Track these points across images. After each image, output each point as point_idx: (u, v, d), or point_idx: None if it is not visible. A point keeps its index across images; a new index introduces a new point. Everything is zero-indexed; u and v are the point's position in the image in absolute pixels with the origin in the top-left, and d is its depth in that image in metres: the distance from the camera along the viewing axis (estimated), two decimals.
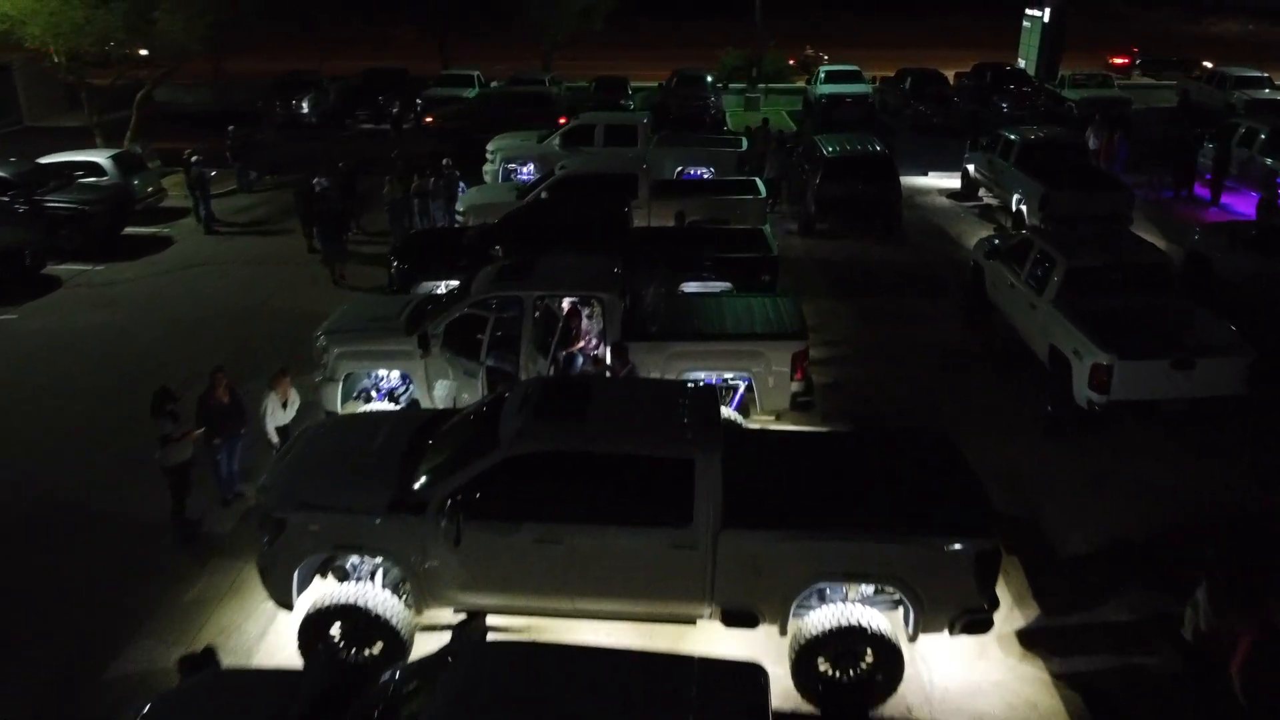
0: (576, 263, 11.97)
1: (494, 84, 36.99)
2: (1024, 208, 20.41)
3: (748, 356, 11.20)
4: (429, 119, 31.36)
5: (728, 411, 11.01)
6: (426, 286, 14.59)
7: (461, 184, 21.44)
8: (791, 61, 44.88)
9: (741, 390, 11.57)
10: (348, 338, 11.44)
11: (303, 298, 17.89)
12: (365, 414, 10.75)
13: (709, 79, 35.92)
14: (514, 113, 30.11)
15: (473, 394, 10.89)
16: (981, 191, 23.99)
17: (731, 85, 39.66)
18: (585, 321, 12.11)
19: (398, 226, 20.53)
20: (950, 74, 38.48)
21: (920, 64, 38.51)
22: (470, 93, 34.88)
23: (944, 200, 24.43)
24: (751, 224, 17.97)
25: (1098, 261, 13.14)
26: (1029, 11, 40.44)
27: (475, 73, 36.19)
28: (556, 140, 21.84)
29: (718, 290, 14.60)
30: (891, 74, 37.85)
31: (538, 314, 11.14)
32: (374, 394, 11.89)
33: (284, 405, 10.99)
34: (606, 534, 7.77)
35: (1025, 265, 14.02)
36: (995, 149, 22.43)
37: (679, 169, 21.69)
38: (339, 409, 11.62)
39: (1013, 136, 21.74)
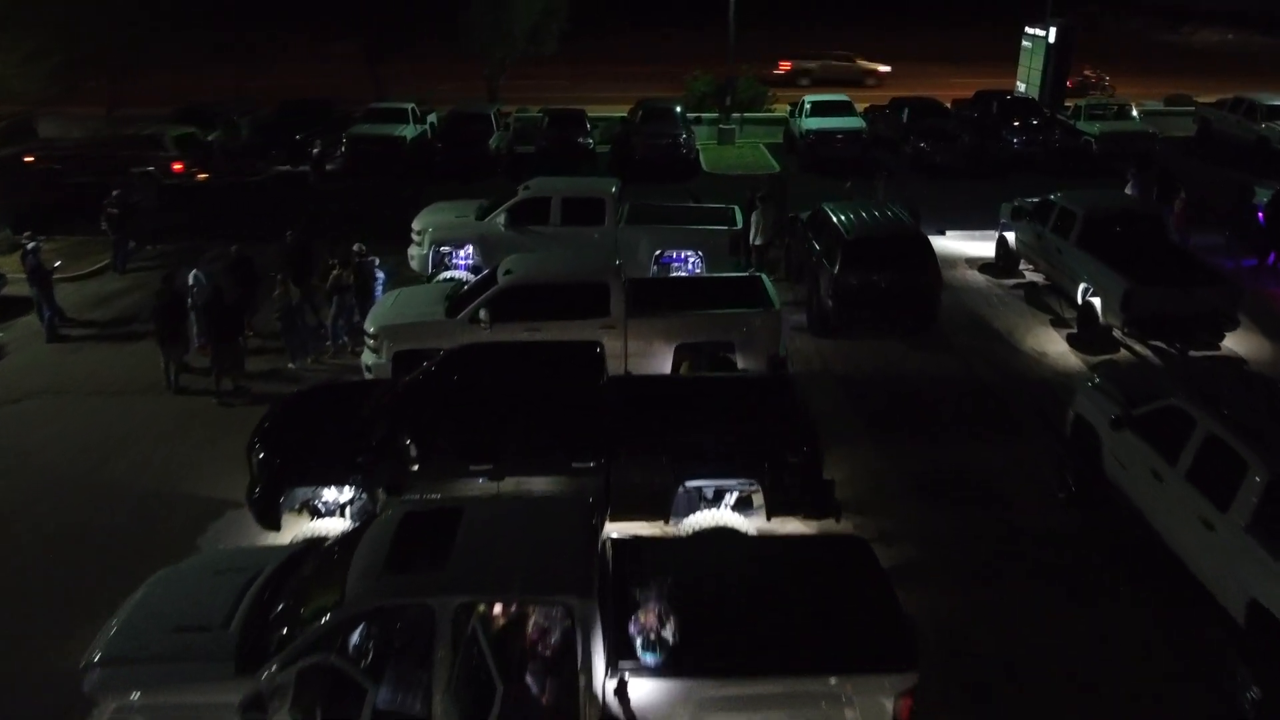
0: (524, 532, 7.30)
1: (429, 116, 32.11)
2: (1095, 301, 16.11)
3: (823, 699, 6.63)
4: (28, 158, 26.45)
5: None
6: (300, 495, 9.91)
7: (379, 274, 16.67)
8: (1069, 84, 39.80)
9: None
10: (135, 675, 6.66)
11: (159, 460, 13.05)
12: None
13: (679, 110, 31.34)
14: (117, 155, 26.11)
15: None
16: (1023, 265, 19.72)
17: (704, 115, 35.09)
18: (540, 627, 7.40)
19: (293, 339, 15.74)
20: (948, 101, 34.37)
21: (899, 83, 34.39)
22: (403, 129, 30.02)
23: (976, 275, 20.07)
24: (762, 345, 13.49)
25: None
26: (1029, 30, 36.41)
27: (409, 105, 31.24)
28: (502, 217, 17.10)
29: (734, 489, 10.08)
30: (884, 103, 33.58)
31: (460, 634, 6.47)
32: None
33: None
34: None
35: (1184, 453, 9.61)
36: (1046, 220, 18.12)
37: (657, 253, 17.11)
38: None
39: (1073, 208, 17.42)
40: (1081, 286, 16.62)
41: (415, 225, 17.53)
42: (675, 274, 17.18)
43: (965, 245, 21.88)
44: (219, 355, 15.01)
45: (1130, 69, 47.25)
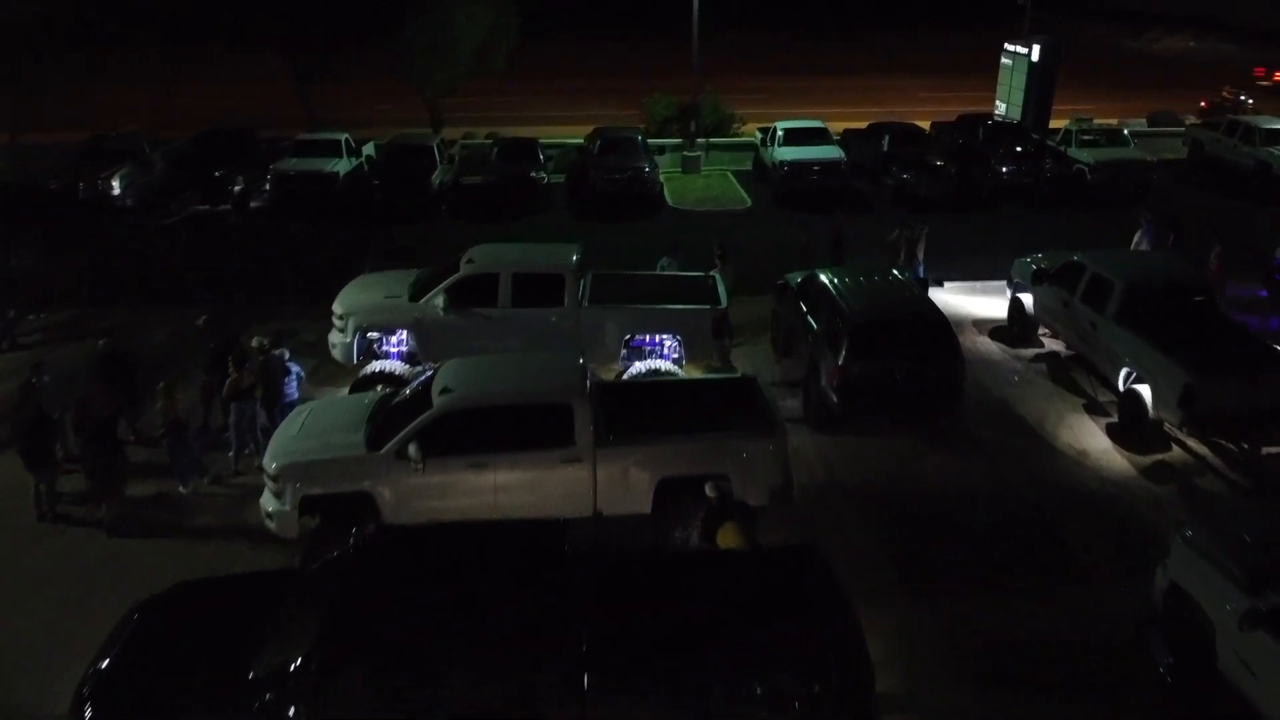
0: None
1: (365, 148, 29.08)
2: (1142, 390, 13.68)
3: None
4: None
5: None
6: None
7: (293, 368, 13.76)
8: (1204, 104, 36.95)
9: None
10: None
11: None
12: None
13: (640, 139, 28.66)
14: None
15: None
16: (1043, 332, 17.34)
17: (666, 142, 32.38)
18: None
19: (183, 460, 12.79)
20: (926, 122, 32.09)
21: (865, 95, 32.04)
22: (335, 163, 26.97)
23: (989, 343, 17.59)
24: (763, 476, 10.87)
25: None
26: (1009, 47, 34.29)
27: (343, 137, 28.18)
28: (440, 299, 14.24)
29: None
30: (862, 126, 31.17)
31: None
32: None
33: None
34: None
35: None
36: (1074, 286, 15.69)
37: (627, 337, 14.40)
38: None
39: (1109, 276, 15.00)
40: (1124, 371, 14.23)
41: (336, 308, 14.60)
42: (649, 359, 14.48)
43: (970, 302, 19.44)
44: (94, 477, 12.11)
45: (1105, 81, 45.56)
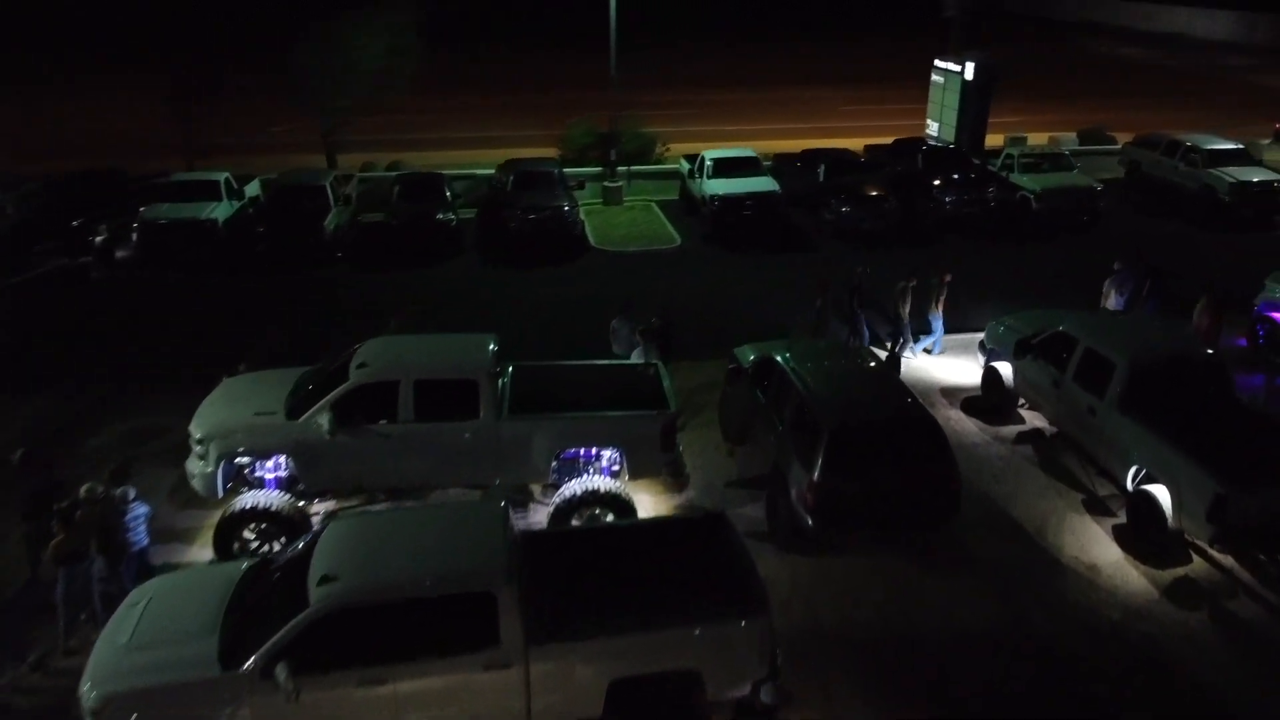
0: None
1: (248, 187, 25.93)
2: (1157, 494, 11.79)
3: None
4: None
5: None
6: None
7: (141, 510, 10.93)
8: (1277, 126, 33.92)
9: None
10: None
11: None
12: None
13: (558, 172, 26.17)
14: None
15: None
16: (1022, 403, 15.44)
17: (585, 170, 29.95)
18: None
19: None
20: (853, 141, 30.34)
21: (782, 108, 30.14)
22: (214, 209, 23.80)
23: (964, 420, 15.55)
24: (743, 669, 8.58)
25: None
26: (940, 64, 32.71)
27: (223, 176, 24.99)
28: (325, 420, 11.50)
29: None
30: (790, 147, 29.23)
31: None
32: None
33: None
34: None
35: None
36: (1063, 362, 13.78)
37: (556, 452, 11.91)
38: None
39: (1107, 354, 13.04)
40: (1133, 469, 12.32)
41: (194, 430, 11.71)
42: (585, 472, 12.07)
43: (934, 364, 17.46)
44: None
45: (1032, 93, 44.62)
